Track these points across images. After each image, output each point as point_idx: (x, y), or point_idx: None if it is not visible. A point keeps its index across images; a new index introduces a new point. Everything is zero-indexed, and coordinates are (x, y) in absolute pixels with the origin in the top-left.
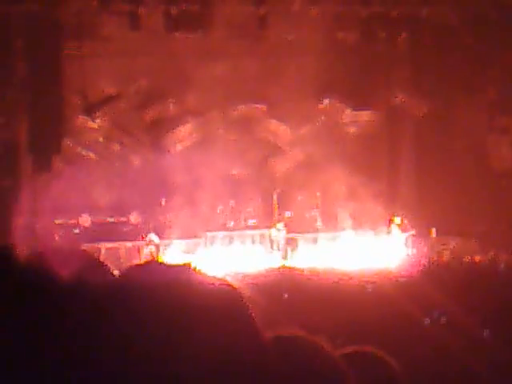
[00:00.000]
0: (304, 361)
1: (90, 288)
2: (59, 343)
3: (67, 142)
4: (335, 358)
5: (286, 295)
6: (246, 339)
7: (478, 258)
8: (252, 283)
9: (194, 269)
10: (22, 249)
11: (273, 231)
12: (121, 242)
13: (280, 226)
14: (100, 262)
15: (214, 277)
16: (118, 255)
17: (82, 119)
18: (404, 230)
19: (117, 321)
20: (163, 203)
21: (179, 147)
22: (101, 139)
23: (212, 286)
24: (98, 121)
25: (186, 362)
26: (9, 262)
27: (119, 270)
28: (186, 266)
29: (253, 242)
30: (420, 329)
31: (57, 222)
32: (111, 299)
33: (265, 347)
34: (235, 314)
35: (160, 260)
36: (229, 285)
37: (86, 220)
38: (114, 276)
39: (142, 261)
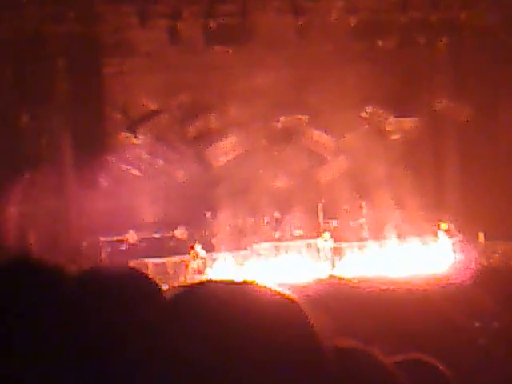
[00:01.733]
0: (362, 372)
1: (143, 310)
2: (113, 366)
3: (111, 159)
4: (390, 367)
5: (334, 309)
6: (309, 351)
7: None
8: (302, 294)
9: (254, 283)
10: (71, 267)
11: (319, 241)
12: (168, 257)
13: (326, 235)
14: (149, 279)
15: (274, 290)
16: (166, 270)
17: (125, 136)
18: (451, 236)
19: (176, 344)
20: (208, 216)
21: (223, 160)
22: (144, 155)
23: (273, 300)
24: (140, 137)
25: (254, 376)
26: (60, 280)
27: (167, 285)
28: (246, 282)
29: (299, 252)
30: (471, 335)
31: (103, 239)
32: (171, 318)
33: (327, 359)
34: (297, 325)
35: (219, 278)
36: (290, 298)
37: (132, 236)
38: (162, 293)
39: (198, 276)
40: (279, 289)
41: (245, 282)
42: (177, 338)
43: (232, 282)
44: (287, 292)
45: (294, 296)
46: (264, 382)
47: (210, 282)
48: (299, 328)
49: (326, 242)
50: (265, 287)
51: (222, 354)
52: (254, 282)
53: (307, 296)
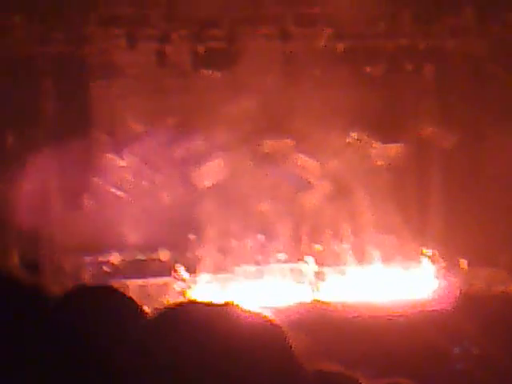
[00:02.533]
0: None
1: (125, 328)
2: None
3: (96, 181)
4: None
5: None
6: (290, 375)
7: (510, 289)
8: (284, 317)
9: (236, 306)
10: (53, 287)
11: (302, 265)
12: (150, 279)
13: (310, 259)
14: (131, 298)
15: (256, 313)
16: (148, 292)
17: (110, 157)
18: (434, 262)
19: (159, 362)
20: (192, 239)
21: (208, 183)
22: (129, 177)
23: (255, 323)
24: (126, 159)
25: None
26: (42, 299)
27: (151, 307)
28: (228, 304)
29: (283, 275)
30: (452, 360)
31: (86, 259)
32: (152, 340)
33: (308, 382)
34: (279, 349)
35: (200, 300)
36: (271, 321)
37: (115, 257)
38: (145, 314)
39: (181, 299)
40: (261, 312)
41: (226, 304)
42: (157, 358)
43: (214, 304)
44: (269, 315)
45: (276, 319)
46: None
47: (191, 302)
48: (280, 351)
49: (309, 266)
50: (246, 310)
51: (201, 376)
52: (235, 304)
53: (290, 320)
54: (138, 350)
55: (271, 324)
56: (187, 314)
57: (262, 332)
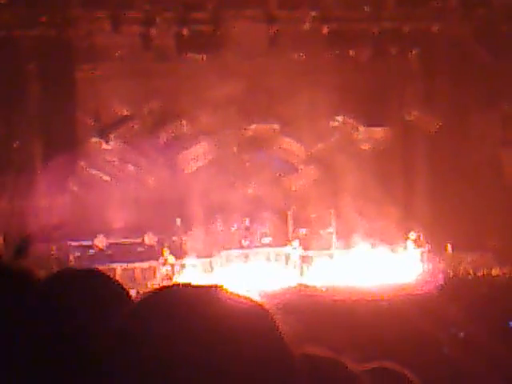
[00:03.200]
0: (331, 380)
1: (110, 312)
2: (79, 371)
3: (81, 164)
4: (359, 375)
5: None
6: (277, 357)
7: (494, 272)
8: (270, 301)
9: (223, 288)
10: (38, 271)
11: (288, 249)
12: (136, 263)
13: (295, 243)
14: (117, 282)
15: (243, 296)
16: (134, 276)
17: (95, 141)
18: (419, 246)
19: (143, 347)
20: (178, 223)
21: (193, 167)
22: (115, 160)
23: (242, 305)
24: (111, 142)
25: (215, 381)
26: (27, 283)
27: (137, 291)
28: (215, 286)
29: (268, 260)
30: (438, 345)
31: (72, 243)
32: (137, 323)
33: (295, 365)
34: (266, 332)
35: (186, 282)
36: (259, 304)
37: (101, 241)
38: (130, 297)
39: (167, 282)
40: (248, 295)
41: (213, 286)
42: (143, 342)
43: (200, 286)
44: (256, 298)
45: (263, 302)
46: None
47: (178, 285)
48: (268, 335)
49: (294, 250)
50: (233, 292)
51: (187, 361)
52: (222, 286)
53: (275, 303)
54: (122, 334)
55: (258, 307)
56: (172, 297)
57: (249, 315)
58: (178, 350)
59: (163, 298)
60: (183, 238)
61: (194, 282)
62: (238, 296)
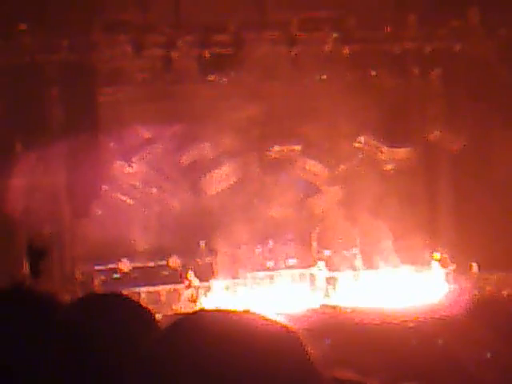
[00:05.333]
0: None
1: (137, 336)
2: None
3: (105, 188)
4: None
5: (329, 339)
6: (308, 382)
7: None
8: (296, 324)
9: (253, 313)
10: (64, 295)
11: (314, 270)
12: (160, 286)
13: (321, 265)
14: (143, 306)
15: (272, 320)
16: (159, 299)
17: (118, 164)
18: (444, 266)
19: (174, 373)
20: (202, 246)
21: (216, 189)
22: (138, 184)
23: (272, 330)
24: (134, 165)
25: None
26: (51, 308)
27: (160, 314)
28: (245, 312)
29: (293, 281)
30: (464, 366)
31: (96, 267)
32: (168, 348)
33: None
34: (297, 356)
35: (216, 307)
36: (289, 329)
37: (125, 265)
38: (157, 322)
39: (191, 306)
40: (277, 319)
41: (243, 312)
42: (173, 368)
43: (231, 312)
44: (285, 322)
45: (293, 326)
46: None
47: (208, 310)
48: (300, 359)
49: (320, 272)
50: (263, 317)
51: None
52: (252, 312)
53: (301, 326)
54: (151, 360)
55: (288, 331)
56: (204, 323)
57: (280, 340)
58: (210, 376)
59: (194, 322)
60: (207, 261)
61: (219, 306)
62: (269, 321)
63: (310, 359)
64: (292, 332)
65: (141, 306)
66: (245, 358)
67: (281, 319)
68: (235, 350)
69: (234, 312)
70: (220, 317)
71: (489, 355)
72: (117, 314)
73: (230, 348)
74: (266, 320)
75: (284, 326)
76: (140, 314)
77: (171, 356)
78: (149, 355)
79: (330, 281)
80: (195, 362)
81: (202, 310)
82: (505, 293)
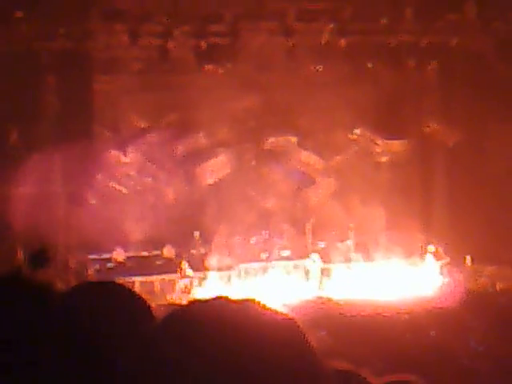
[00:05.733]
0: None
1: (133, 324)
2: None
3: (100, 177)
4: None
5: (323, 331)
6: (311, 373)
7: None
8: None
9: (256, 302)
10: (58, 284)
11: (308, 262)
12: (155, 276)
13: (315, 256)
14: (138, 294)
15: (275, 309)
16: (153, 289)
17: (114, 154)
18: (438, 259)
19: (173, 361)
20: (196, 236)
21: (212, 180)
22: (133, 173)
23: (275, 319)
24: (129, 155)
25: None
26: (47, 296)
27: (154, 304)
28: (248, 300)
29: (287, 272)
30: (457, 357)
31: (91, 256)
32: (167, 338)
33: (329, 379)
34: (299, 346)
35: (222, 295)
36: (289, 317)
37: (119, 254)
38: (152, 311)
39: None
40: (279, 308)
41: (247, 300)
42: (171, 357)
43: (234, 300)
44: (285, 311)
45: (293, 315)
46: None
47: (212, 299)
48: (302, 348)
49: (314, 263)
50: (264, 305)
51: (219, 375)
52: (255, 300)
53: (296, 317)
54: (149, 348)
55: (290, 320)
56: (206, 311)
57: (282, 328)
58: (211, 366)
59: (197, 312)
60: (202, 251)
61: (220, 295)
62: (270, 309)
63: (311, 348)
64: (292, 320)
65: (136, 294)
66: (247, 346)
67: (280, 308)
68: (238, 339)
69: (238, 301)
70: (225, 305)
71: (481, 348)
72: (111, 302)
73: (233, 337)
74: (267, 308)
75: (284, 315)
76: (135, 302)
77: (171, 344)
78: (148, 343)
79: (324, 272)
80: (199, 350)
81: (208, 299)
82: (498, 286)
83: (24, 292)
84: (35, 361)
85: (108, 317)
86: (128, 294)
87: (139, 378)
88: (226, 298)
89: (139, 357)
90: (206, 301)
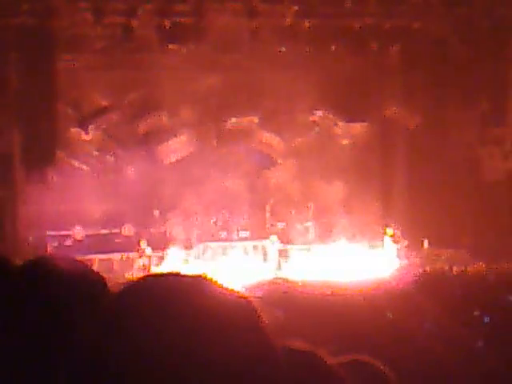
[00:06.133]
0: (311, 374)
1: (89, 302)
2: (57, 360)
3: (60, 154)
4: (336, 368)
5: (280, 311)
6: (264, 352)
7: (469, 269)
8: (247, 294)
9: (209, 279)
10: (16, 260)
11: (266, 243)
12: (114, 254)
13: (274, 238)
14: (94, 271)
15: (228, 287)
16: (111, 267)
17: (75, 131)
18: (396, 241)
19: (126, 337)
20: (156, 215)
21: (172, 159)
22: (94, 151)
23: (228, 297)
24: (91, 133)
25: (201, 373)
26: (3, 269)
27: (113, 282)
28: (201, 276)
29: (245, 253)
30: (413, 339)
31: (49, 233)
32: (123, 312)
33: (279, 358)
34: (252, 324)
35: (175, 271)
36: (243, 296)
37: (78, 232)
38: (108, 286)
39: (144, 274)
40: (232, 286)
41: (199, 276)
42: (123, 333)
43: (187, 276)
44: (240, 290)
45: (248, 295)
46: (214, 372)
47: (164, 274)
48: (254, 326)
49: (273, 244)
50: (219, 283)
51: (172, 351)
52: (208, 276)
53: (252, 296)
54: (104, 323)
55: (244, 299)
56: (159, 286)
57: (235, 306)
58: (164, 340)
59: (149, 286)
60: (161, 230)
61: (177, 271)
62: (224, 287)
63: (264, 328)
64: (248, 301)
65: (92, 270)
66: (200, 323)
67: (237, 288)
68: (190, 315)
69: (190, 276)
70: (177, 280)
71: (437, 330)
72: (67, 276)
73: (185, 313)
74: (220, 285)
75: (240, 294)
76: (91, 277)
77: (128, 319)
78: (105, 318)
79: (283, 253)
80: (151, 326)
81: (160, 274)
82: (455, 269)
83: None
84: None
85: (64, 290)
86: (84, 269)
87: (94, 351)
88: (179, 273)
89: (94, 330)
90: (159, 275)
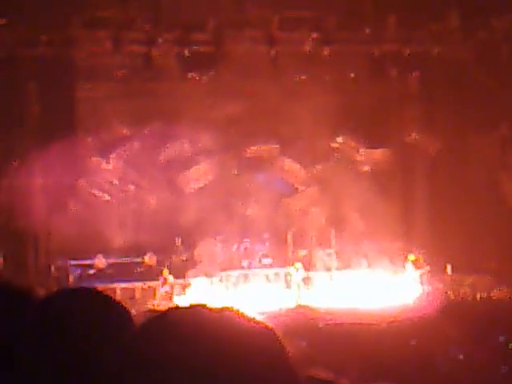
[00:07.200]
0: None
1: (113, 333)
2: None
3: (81, 184)
4: None
5: (304, 340)
6: (284, 379)
7: (494, 294)
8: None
9: (235, 310)
10: (38, 290)
11: (291, 270)
12: (136, 283)
13: (298, 265)
14: (117, 301)
15: (253, 318)
16: (134, 295)
17: (96, 160)
18: (419, 267)
19: (152, 368)
20: (178, 243)
21: (194, 187)
22: (115, 180)
23: (253, 328)
24: (111, 162)
25: None
26: (26, 301)
27: (136, 311)
28: (227, 309)
29: (268, 280)
30: (437, 366)
31: (72, 262)
32: (146, 345)
33: None
34: (275, 355)
35: (201, 303)
36: (267, 326)
37: (100, 261)
38: (132, 318)
39: (166, 302)
40: (256, 317)
41: (226, 309)
42: (149, 364)
43: (213, 308)
44: (264, 320)
45: (270, 324)
46: None
47: (192, 306)
48: (277, 357)
49: (297, 272)
50: (242, 314)
51: (198, 382)
52: (233, 308)
53: (276, 325)
54: (129, 355)
55: (267, 329)
56: (184, 319)
57: (259, 337)
58: (190, 374)
59: (175, 319)
60: (183, 259)
61: (199, 303)
62: (246, 317)
63: (287, 357)
64: (270, 330)
65: (115, 300)
66: (223, 354)
67: (259, 317)
68: (214, 346)
69: (217, 309)
70: (204, 313)
71: (461, 357)
72: (91, 308)
73: (208, 344)
74: (245, 317)
75: (262, 324)
76: (114, 308)
77: (149, 350)
78: (126, 349)
79: (305, 281)
80: (177, 357)
81: (188, 306)
82: (478, 295)
83: (2, 298)
84: (13, 367)
85: (87, 323)
86: (107, 300)
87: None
88: (205, 306)
89: (118, 363)
90: (184, 308)
